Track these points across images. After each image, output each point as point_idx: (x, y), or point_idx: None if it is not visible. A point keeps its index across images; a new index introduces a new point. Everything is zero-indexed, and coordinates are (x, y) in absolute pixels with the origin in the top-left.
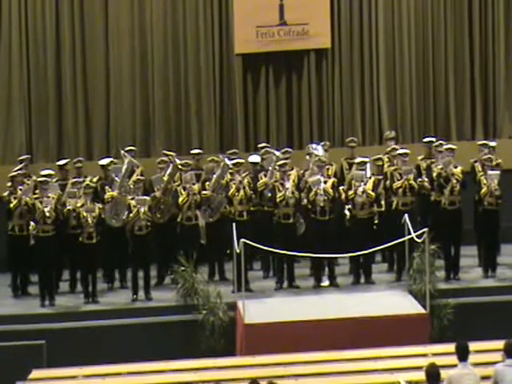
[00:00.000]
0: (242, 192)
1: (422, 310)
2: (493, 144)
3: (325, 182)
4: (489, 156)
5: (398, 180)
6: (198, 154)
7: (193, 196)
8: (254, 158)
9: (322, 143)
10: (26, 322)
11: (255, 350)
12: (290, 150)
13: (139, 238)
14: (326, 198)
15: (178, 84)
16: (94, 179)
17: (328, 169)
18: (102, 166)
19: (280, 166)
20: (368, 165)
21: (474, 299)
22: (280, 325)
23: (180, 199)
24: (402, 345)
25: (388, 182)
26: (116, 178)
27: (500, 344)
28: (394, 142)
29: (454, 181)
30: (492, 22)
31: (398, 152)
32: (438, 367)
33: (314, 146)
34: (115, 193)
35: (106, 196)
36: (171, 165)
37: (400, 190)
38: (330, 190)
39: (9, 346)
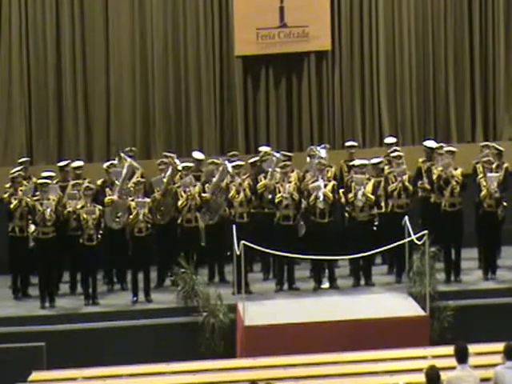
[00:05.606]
0: (242, 194)
1: (421, 313)
2: (500, 148)
3: (325, 186)
4: (489, 158)
5: (393, 182)
6: (201, 160)
7: (192, 200)
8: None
9: (323, 145)
10: (26, 324)
11: (255, 352)
12: (288, 153)
13: (139, 240)
14: (325, 202)
15: (179, 86)
16: (99, 182)
17: (328, 171)
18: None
19: (281, 167)
20: (323, 150)
21: (474, 301)
22: (280, 327)
23: (179, 202)
24: (402, 347)
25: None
26: (116, 182)
27: (500, 346)
28: (395, 145)
29: (454, 183)
30: (492, 23)
31: (392, 155)
32: (438, 369)
33: (317, 148)
34: (115, 196)
35: (105, 200)
36: (171, 166)
37: (395, 192)
38: (330, 194)
39: (9, 347)
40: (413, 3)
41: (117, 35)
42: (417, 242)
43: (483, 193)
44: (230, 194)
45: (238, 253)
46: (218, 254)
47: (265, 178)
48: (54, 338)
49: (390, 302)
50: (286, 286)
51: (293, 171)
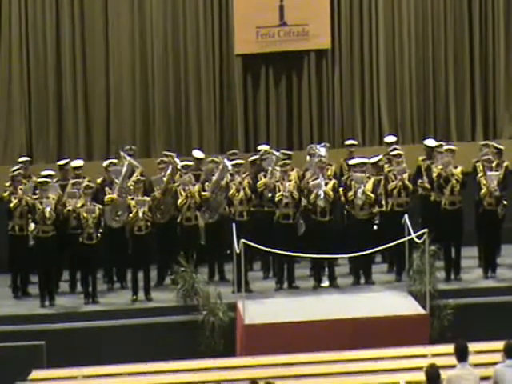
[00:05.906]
0: (241, 192)
1: (421, 311)
2: (500, 146)
3: (325, 184)
4: (489, 157)
5: (393, 181)
6: (201, 158)
7: (191, 199)
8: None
9: (323, 144)
10: (26, 323)
11: (255, 351)
12: (288, 152)
13: (139, 239)
14: (326, 200)
15: (178, 84)
16: (98, 180)
17: (328, 169)
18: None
19: (281, 165)
20: (323, 149)
21: (474, 300)
22: (280, 325)
23: (179, 201)
24: (402, 345)
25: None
26: (116, 180)
27: (500, 345)
28: (395, 144)
29: (454, 181)
30: (492, 23)
31: (392, 153)
32: (438, 368)
33: (317, 146)
34: (114, 195)
35: (105, 199)
36: (171, 165)
37: (395, 191)
38: (331, 193)
39: (9, 346)
40: (413, 3)
41: (117, 35)
42: (417, 240)
43: (483, 191)
44: (230, 193)
45: (237, 251)
46: (218, 253)
47: (265, 176)
48: (53, 336)
49: (389, 301)
50: (285, 285)
51: (292, 170)
